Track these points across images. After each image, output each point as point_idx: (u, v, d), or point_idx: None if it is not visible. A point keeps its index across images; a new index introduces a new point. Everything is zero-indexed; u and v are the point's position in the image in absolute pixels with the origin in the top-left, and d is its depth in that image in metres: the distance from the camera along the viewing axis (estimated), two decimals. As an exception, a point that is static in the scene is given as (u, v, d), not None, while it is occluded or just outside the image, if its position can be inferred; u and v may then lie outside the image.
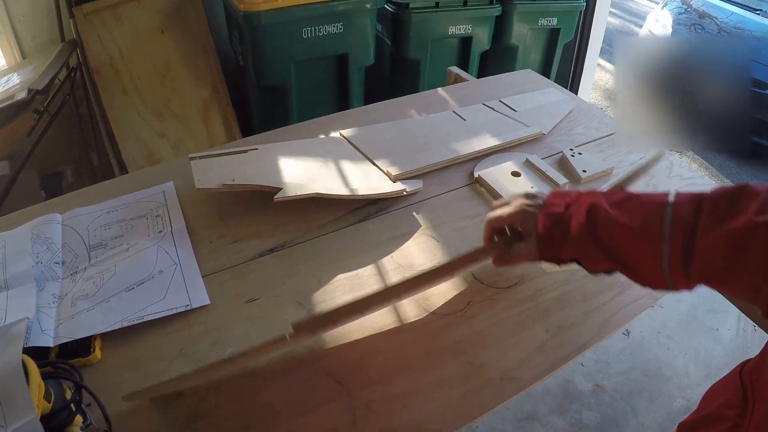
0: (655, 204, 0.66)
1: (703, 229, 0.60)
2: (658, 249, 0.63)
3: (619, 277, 1.01)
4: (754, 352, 0.63)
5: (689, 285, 0.64)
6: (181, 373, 0.81)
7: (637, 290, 1.02)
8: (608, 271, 0.73)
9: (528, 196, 0.80)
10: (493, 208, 0.84)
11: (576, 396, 1.96)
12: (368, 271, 1.05)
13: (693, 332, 2.21)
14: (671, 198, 0.65)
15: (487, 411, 0.83)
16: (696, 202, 0.63)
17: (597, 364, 2.07)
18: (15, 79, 2.19)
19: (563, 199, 0.74)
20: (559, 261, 0.77)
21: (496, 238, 0.84)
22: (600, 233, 0.69)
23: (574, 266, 0.76)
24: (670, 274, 0.64)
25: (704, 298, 2.32)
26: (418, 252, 1.09)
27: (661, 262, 0.64)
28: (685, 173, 1.34)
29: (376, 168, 1.27)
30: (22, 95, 1.95)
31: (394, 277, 1.01)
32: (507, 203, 0.82)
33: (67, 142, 2.63)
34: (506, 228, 0.83)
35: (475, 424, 0.84)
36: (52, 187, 2.51)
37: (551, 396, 1.94)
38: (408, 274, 0.88)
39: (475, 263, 0.86)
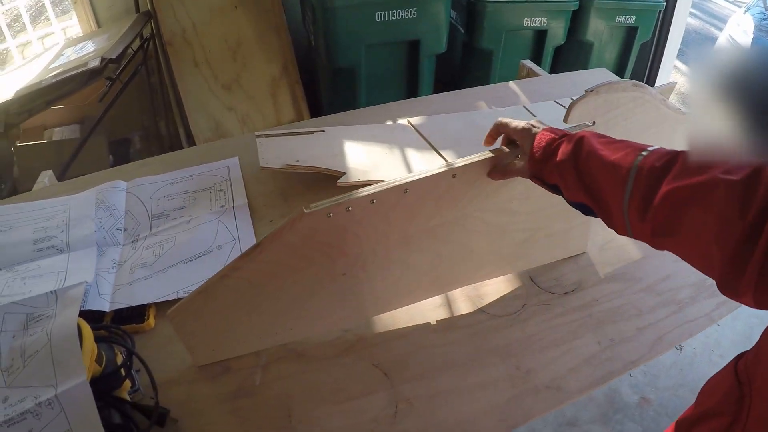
0: (636, 147, 0.68)
1: (669, 179, 0.61)
2: (622, 187, 0.66)
3: (676, 295, 1.00)
4: None
5: (647, 237, 0.66)
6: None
7: (696, 309, 0.99)
8: (584, 209, 0.75)
9: (538, 121, 0.83)
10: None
11: (620, 407, 1.92)
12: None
13: (748, 354, 2.13)
14: (651, 147, 0.67)
15: (530, 419, 0.82)
16: (673, 154, 0.64)
17: (645, 376, 2.02)
18: (90, 47, 2.26)
19: (563, 131, 0.79)
20: (544, 182, 0.80)
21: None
22: (580, 161, 0.72)
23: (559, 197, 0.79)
24: (628, 216, 0.67)
25: (761, 319, 2.23)
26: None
27: (623, 201, 0.66)
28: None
29: (440, 158, 1.26)
30: (95, 63, 2.01)
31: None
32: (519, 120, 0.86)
33: (137, 110, 2.70)
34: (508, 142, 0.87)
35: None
36: (120, 153, 2.59)
37: (594, 404, 1.90)
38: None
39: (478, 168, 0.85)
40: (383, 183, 0.75)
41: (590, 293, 1.00)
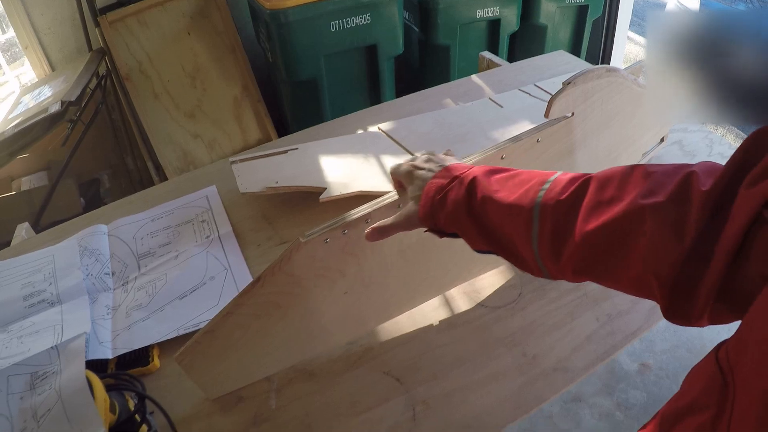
0: (536, 182, 0.61)
1: (583, 216, 0.55)
2: (527, 231, 0.60)
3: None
4: None
5: (567, 276, 0.59)
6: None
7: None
8: (492, 252, 0.68)
9: (429, 159, 0.76)
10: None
11: (622, 376, 1.95)
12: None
13: (737, 307, 2.18)
14: (554, 176, 0.60)
15: (544, 402, 0.83)
16: (581, 180, 0.58)
17: (641, 343, 2.06)
18: (47, 92, 2.23)
19: (454, 171, 0.70)
20: (440, 232, 0.72)
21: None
22: (476, 208, 0.65)
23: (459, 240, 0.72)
24: (541, 261, 0.60)
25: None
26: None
27: (532, 246, 0.60)
28: (725, 151, 1.32)
29: (417, 161, 1.27)
30: (55, 107, 1.99)
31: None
32: (411, 160, 0.78)
33: (103, 148, 2.67)
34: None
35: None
36: (90, 194, 2.56)
37: (596, 376, 1.93)
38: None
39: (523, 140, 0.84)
40: (376, 201, 0.76)
41: (582, 273, 1.03)
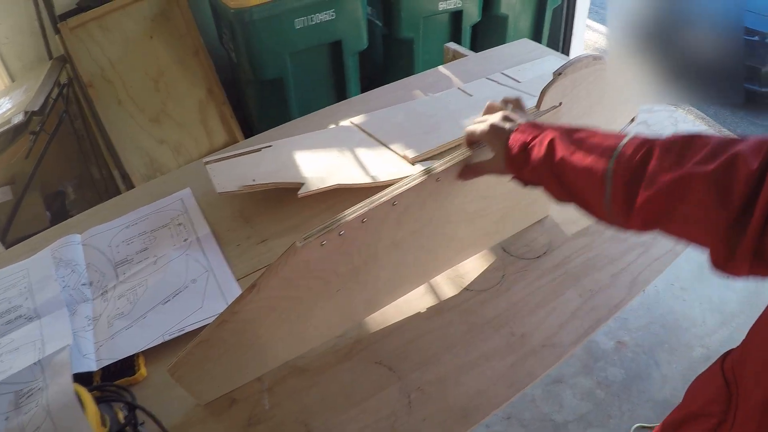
0: (606, 146, 0.68)
1: (646, 182, 0.61)
2: (601, 192, 0.66)
3: (639, 237, 1.05)
4: (766, 297, 0.64)
5: (635, 230, 0.67)
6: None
7: (660, 247, 1.05)
8: (570, 202, 0.76)
9: (504, 117, 0.83)
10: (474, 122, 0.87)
11: (599, 355, 1.99)
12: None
13: (705, 281, 2.23)
14: (623, 142, 0.67)
15: (535, 379, 0.85)
16: (647, 148, 0.63)
17: (616, 321, 2.10)
18: (8, 104, 2.17)
19: (535, 129, 0.77)
20: (524, 183, 0.81)
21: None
22: (555, 167, 0.72)
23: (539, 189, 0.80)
24: (613, 216, 0.67)
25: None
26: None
27: (604, 205, 0.67)
28: (690, 128, 1.36)
29: (392, 152, 1.28)
30: (18, 118, 1.94)
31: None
32: (484, 120, 0.85)
33: (67, 159, 2.61)
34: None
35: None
36: (55, 207, 2.50)
37: (575, 357, 1.97)
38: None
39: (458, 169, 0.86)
40: (371, 199, 0.77)
41: (561, 252, 1.05)
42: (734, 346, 0.63)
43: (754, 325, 0.56)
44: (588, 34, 3.98)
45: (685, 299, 2.17)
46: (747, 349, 0.58)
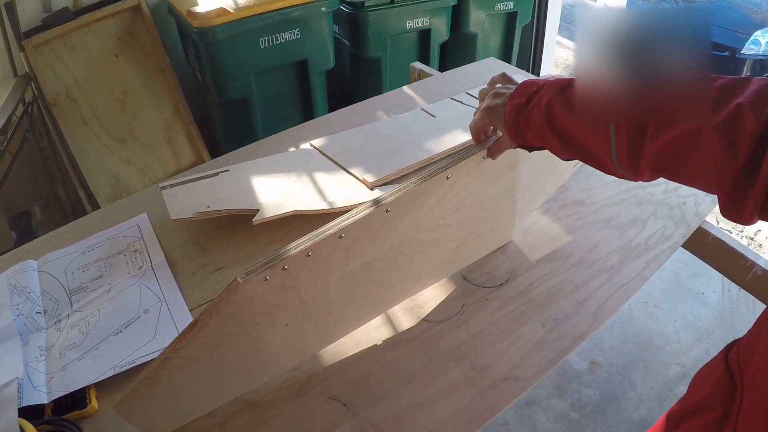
0: None
1: (651, 132, 0.61)
2: (606, 146, 0.66)
3: (606, 262, 1.03)
4: (740, 313, 0.63)
5: (646, 180, 0.68)
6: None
7: (627, 272, 1.03)
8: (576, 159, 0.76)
9: (495, 94, 0.83)
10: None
11: (573, 376, 1.97)
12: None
13: (679, 298, 2.23)
14: None
15: (496, 413, 0.82)
16: None
17: (589, 341, 2.09)
18: (-29, 121, 2.13)
19: (528, 89, 0.77)
20: (530, 147, 0.82)
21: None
22: (556, 127, 0.72)
23: (546, 152, 0.80)
24: (621, 169, 0.68)
25: (686, 263, 2.34)
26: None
27: (612, 158, 0.67)
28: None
29: (351, 177, 1.25)
30: (-20, 138, 1.90)
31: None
32: (479, 108, 0.86)
33: (32, 179, 2.56)
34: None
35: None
36: (21, 227, 2.45)
37: (548, 379, 1.95)
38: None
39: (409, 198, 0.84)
40: (316, 232, 0.74)
41: (525, 279, 1.02)
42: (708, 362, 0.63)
43: (763, 313, 0.56)
44: (558, 51, 4.01)
45: (658, 317, 2.17)
46: (756, 337, 0.57)
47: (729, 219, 0.59)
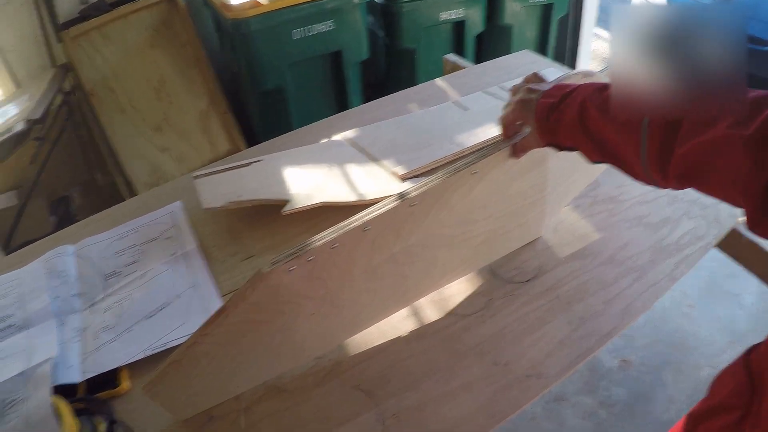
0: None
1: (681, 136, 0.61)
2: (637, 148, 0.66)
3: (636, 261, 1.02)
4: None
5: (673, 187, 0.67)
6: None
7: (657, 272, 1.01)
8: (606, 163, 0.75)
9: (528, 89, 0.83)
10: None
11: (603, 373, 1.95)
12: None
13: (714, 299, 2.19)
14: None
15: (517, 410, 0.82)
16: None
17: (621, 339, 2.06)
18: (12, 110, 2.19)
19: (562, 89, 0.77)
20: (559, 147, 0.81)
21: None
22: (589, 127, 0.72)
23: (575, 154, 0.79)
24: (650, 173, 0.67)
25: (722, 263, 2.29)
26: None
27: (641, 161, 0.66)
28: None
29: (382, 169, 1.26)
30: (20, 126, 1.96)
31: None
32: (511, 101, 0.86)
33: (72, 165, 2.63)
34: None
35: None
36: (61, 212, 2.52)
37: (578, 375, 1.93)
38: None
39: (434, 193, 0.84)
40: (342, 225, 0.74)
41: (553, 276, 1.02)
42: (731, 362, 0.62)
43: None
44: (597, 44, 3.95)
45: (693, 317, 2.13)
46: None
47: (756, 233, 0.57)
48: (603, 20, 3.59)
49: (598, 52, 4.13)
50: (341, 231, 0.73)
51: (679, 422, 0.67)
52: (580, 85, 0.75)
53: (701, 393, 0.67)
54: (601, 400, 1.87)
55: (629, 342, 2.05)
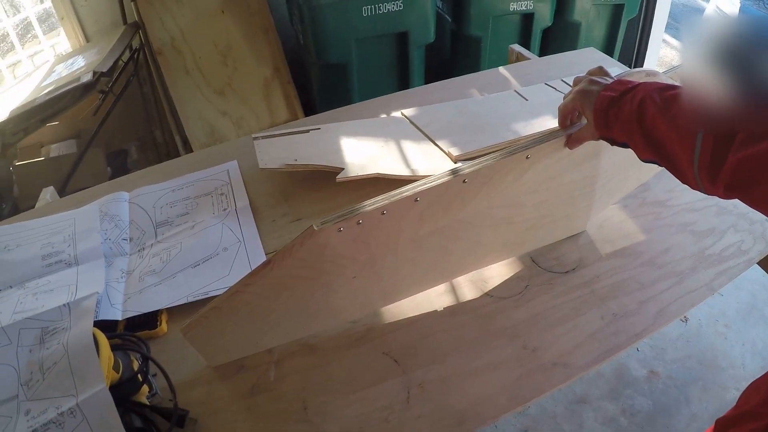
0: None
1: (737, 145, 0.60)
2: (691, 151, 0.66)
3: (676, 267, 1.02)
4: None
5: (719, 194, 0.67)
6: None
7: (696, 280, 1.01)
8: (656, 162, 0.75)
9: (591, 81, 0.83)
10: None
11: (629, 381, 1.93)
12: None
13: (752, 322, 2.14)
14: None
15: (539, 396, 0.84)
16: None
17: (653, 350, 2.04)
18: (80, 62, 2.27)
19: (624, 85, 0.77)
20: (612, 141, 0.81)
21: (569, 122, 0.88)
22: (646, 124, 0.72)
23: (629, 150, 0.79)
24: (700, 179, 0.67)
25: (765, 287, 2.24)
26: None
27: (693, 165, 0.66)
28: None
29: (437, 148, 1.27)
30: (87, 77, 2.02)
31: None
32: (571, 91, 0.86)
33: (132, 120, 2.71)
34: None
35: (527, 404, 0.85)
36: (117, 164, 2.60)
37: (604, 380, 1.92)
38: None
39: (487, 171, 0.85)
40: (393, 193, 0.76)
41: (591, 270, 1.02)
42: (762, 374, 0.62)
43: None
44: (664, 50, 3.86)
45: (727, 338, 2.09)
46: None
47: None
48: (672, 27, 3.50)
49: (666, 59, 4.03)
50: (392, 199, 0.75)
51: (708, 429, 0.68)
52: (642, 83, 0.75)
53: (724, 414, 0.67)
54: (624, 407, 1.85)
55: (660, 354, 2.03)
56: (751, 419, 0.61)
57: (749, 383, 0.66)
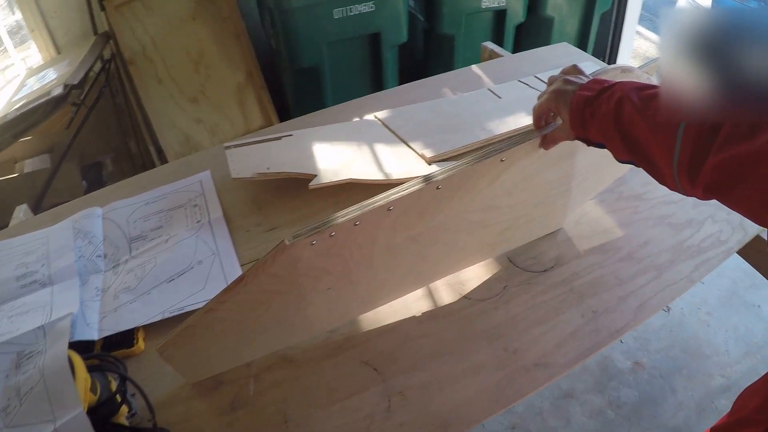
0: None
1: (718, 144, 0.60)
2: (670, 152, 0.65)
3: (655, 260, 1.02)
4: None
5: (698, 195, 0.66)
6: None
7: (675, 273, 1.01)
8: (633, 163, 0.74)
9: (566, 80, 0.82)
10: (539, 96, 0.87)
11: (614, 373, 1.94)
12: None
13: (733, 309, 2.16)
14: None
15: (522, 397, 0.83)
16: None
17: (636, 341, 2.05)
18: (51, 75, 2.24)
19: (600, 84, 0.76)
20: (588, 141, 0.80)
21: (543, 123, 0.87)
22: (623, 124, 0.70)
23: (604, 150, 0.78)
24: (679, 180, 0.66)
25: (745, 273, 2.26)
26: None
27: (672, 165, 0.65)
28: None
29: (411, 150, 1.27)
30: (58, 91, 1.99)
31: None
32: (546, 91, 0.85)
33: (106, 132, 2.68)
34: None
35: (512, 402, 0.84)
36: (92, 177, 2.57)
37: (589, 373, 1.92)
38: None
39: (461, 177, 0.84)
40: (366, 203, 0.75)
41: (570, 268, 1.02)
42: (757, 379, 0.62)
43: None
44: (638, 42, 3.88)
45: (710, 325, 2.10)
46: None
47: None
48: (645, 18, 3.52)
49: (640, 50, 4.06)
50: (365, 209, 0.74)
51: None
52: (618, 82, 0.74)
53: (710, 402, 0.67)
54: (610, 400, 1.86)
55: (643, 345, 2.04)
56: (747, 426, 0.61)
57: (741, 367, 0.67)
